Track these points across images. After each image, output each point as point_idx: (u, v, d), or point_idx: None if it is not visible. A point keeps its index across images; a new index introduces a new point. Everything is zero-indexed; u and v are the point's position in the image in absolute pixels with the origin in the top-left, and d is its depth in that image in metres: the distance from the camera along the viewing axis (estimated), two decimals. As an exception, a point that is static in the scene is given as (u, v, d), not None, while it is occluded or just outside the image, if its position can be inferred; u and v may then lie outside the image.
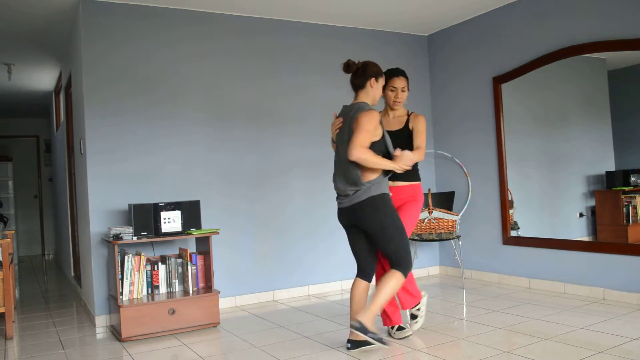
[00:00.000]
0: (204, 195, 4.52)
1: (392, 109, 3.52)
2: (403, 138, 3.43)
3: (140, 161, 4.36)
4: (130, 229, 3.89)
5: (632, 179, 4.31)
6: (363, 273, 3.24)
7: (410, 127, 3.46)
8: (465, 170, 5.27)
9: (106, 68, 4.27)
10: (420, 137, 3.42)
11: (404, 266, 3.09)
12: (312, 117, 5.09)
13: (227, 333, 3.83)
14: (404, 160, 3.12)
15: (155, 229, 3.96)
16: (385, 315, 3.50)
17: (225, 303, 4.58)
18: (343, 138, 3.11)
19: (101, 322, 4.20)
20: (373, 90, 3.15)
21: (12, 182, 9.59)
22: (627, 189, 4.35)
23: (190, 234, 4.02)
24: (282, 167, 4.94)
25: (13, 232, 5.94)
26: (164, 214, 3.94)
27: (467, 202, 5.23)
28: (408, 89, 3.49)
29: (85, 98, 4.22)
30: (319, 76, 5.14)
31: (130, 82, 4.35)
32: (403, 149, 3.21)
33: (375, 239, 3.11)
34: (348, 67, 3.12)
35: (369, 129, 2.99)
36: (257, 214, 4.81)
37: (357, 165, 3.02)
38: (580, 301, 4.17)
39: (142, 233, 3.92)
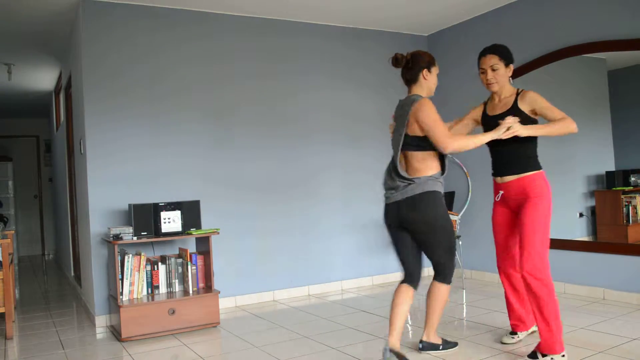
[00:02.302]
0: (204, 195, 4.52)
1: (495, 93, 3.07)
2: None
3: (141, 161, 4.36)
4: (130, 229, 3.89)
5: (632, 179, 4.31)
6: (410, 278, 2.95)
7: (525, 108, 2.94)
8: (465, 170, 5.26)
9: (106, 68, 4.27)
10: (550, 110, 2.88)
11: (447, 276, 2.97)
12: (313, 118, 5.10)
13: (227, 333, 3.83)
14: (507, 124, 2.80)
15: (155, 229, 3.96)
16: (518, 321, 3.26)
17: (225, 303, 4.59)
18: (397, 130, 2.90)
19: (101, 322, 4.20)
20: (427, 82, 2.89)
21: (12, 182, 9.59)
22: (627, 189, 4.35)
23: (190, 234, 4.02)
24: (282, 167, 4.94)
25: (13, 232, 5.94)
26: (164, 214, 3.94)
27: (467, 202, 5.22)
28: (505, 65, 2.98)
29: (85, 98, 4.22)
30: (318, 76, 5.14)
31: (130, 82, 4.35)
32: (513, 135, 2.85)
33: (421, 242, 2.89)
34: (397, 61, 2.87)
35: (436, 117, 2.75)
36: (257, 214, 4.81)
37: (411, 158, 2.84)
38: (580, 301, 4.17)
39: (142, 233, 3.92)
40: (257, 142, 4.84)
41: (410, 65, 2.86)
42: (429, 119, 2.74)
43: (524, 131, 2.80)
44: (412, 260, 2.95)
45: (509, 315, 3.28)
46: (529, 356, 2.90)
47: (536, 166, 2.96)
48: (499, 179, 3.06)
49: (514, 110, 2.95)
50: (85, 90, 4.22)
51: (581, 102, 4.84)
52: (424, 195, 2.79)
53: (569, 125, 2.82)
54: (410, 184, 2.81)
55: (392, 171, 2.89)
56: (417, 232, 2.85)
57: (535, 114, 2.95)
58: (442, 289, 2.99)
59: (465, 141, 2.78)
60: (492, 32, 5.02)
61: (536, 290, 2.85)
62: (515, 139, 2.88)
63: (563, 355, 2.82)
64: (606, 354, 2.93)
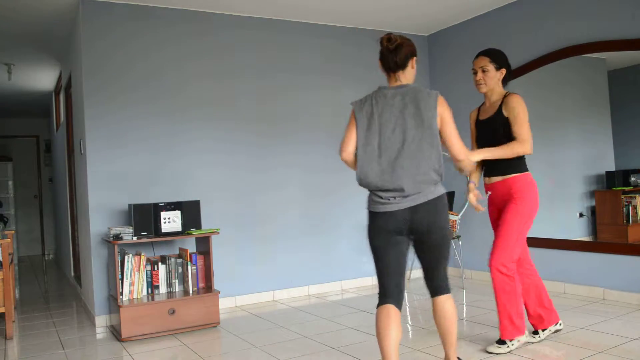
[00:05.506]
0: (204, 195, 4.52)
1: (485, 95, 3.15)
2: (491, 128, 3.04)
3: (140, 161, 4.36)
4: (130, 229, 3.89)
5: (632, 179, 4.31)
6: (397, 298, 2.48)
7: (506, 113, 2.98)
8: (465, 170, 5.26)
9: (106, 68, 4.27)
10: (518, 125, 2.93)
11: (449, 286, 2.55)
12: (313, 118, 5.10)
13: (227, 333, 3.83)
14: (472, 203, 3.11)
15: (155, 229, 3.96)
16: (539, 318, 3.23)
17: (225, 303, 4.59)
18: (404, 122, 2.40)
19: (101, 322, 4.20)
20: (413, 72, 2.53)
21: (12, 182, 9.59)
22: (627, 189, 4.35)
23: (190, 234, 4.02)
24: (282, 168, 4.94)
25: (13, 232, 5.94)
26: (164, 214, 3.94)
27: (467, 202, 5.21)
28: (496, 68, 3.03)
29: (85, 98, 4.22)
30: (318, 76, 5.14)
31: (130, 82, 4.35)
32: (489, 140, 3.02)
33: (433, 250, 2.46)
34: (389, 40, 2.45)
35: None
36: (257, 214, 4.81)
37: (439, 155, 2.37)
38: (580, 301, 4.17)
39: (142, 233, 3.92)
40: (258, 141, 4.84)
41: (403, 49, 2.46)
42: (451, 120, 2.43)
43: (470, 166, 2.58)
44: (401, 276, 2.52)
45: (527, 315, 3.27)
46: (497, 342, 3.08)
47: (521, 168, 3.04)
48: (487, 180, 3.16)
49: (498, 116, 3.03)
50: (85, 90, 4.22)
51: (581, 102, 4.85)
52: (442, 197, 2.43)
53: (516, 149, 2.94)
54: (433, 185, 2.40)
55: (409, 170, 2.37)
56: (433, 242, 2.44)
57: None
58: (451, 300, 2.54)
59: (471, 155, 2.78)
60: (492, 32, 5.02)
61: (498, 284, 3.05)
62: (500, 141, 3.01)
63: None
64: (606, 354, 2.93)
